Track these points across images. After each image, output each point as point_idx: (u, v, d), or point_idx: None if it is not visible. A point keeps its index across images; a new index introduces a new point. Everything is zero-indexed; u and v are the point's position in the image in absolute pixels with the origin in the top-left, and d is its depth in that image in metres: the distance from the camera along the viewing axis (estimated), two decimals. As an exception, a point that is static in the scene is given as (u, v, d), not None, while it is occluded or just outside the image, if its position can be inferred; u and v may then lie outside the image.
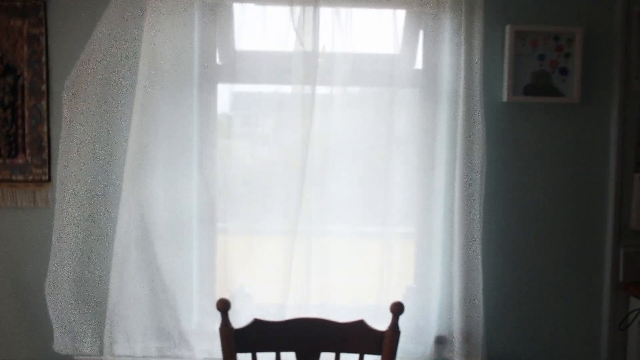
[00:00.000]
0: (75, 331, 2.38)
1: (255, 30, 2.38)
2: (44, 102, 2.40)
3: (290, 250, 2.36)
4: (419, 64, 2.44)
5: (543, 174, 2.49)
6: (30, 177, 2.43)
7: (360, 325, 2.13)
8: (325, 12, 2.35)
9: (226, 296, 2.14)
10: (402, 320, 2.12)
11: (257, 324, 2.12)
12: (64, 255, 2.35)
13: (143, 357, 2.40)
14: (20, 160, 2.43)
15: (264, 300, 2.42)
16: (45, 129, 2.41)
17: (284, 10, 2.34)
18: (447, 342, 2.42)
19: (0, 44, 2.40)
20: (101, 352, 2.39)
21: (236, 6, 2.39)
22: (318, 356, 2.14)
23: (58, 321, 2.36)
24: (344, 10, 2.35)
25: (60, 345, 2.37)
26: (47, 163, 2.41)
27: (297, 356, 2.14)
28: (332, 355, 2.14)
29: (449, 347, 2.42)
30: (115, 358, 2.40)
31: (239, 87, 2.49)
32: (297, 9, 2.32)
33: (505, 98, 2.44)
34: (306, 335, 2.13)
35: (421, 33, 2.43)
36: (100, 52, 2.32)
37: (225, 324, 2.08)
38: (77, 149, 2.33)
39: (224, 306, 2.08)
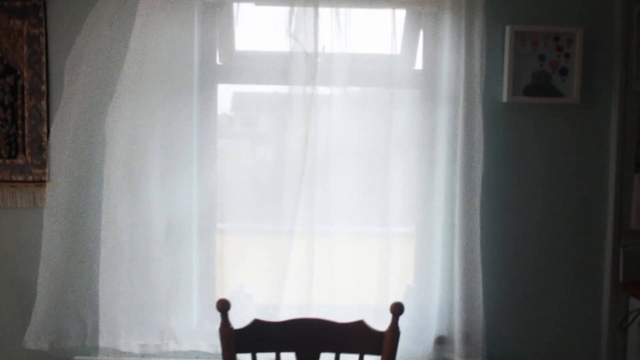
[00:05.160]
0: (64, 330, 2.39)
1: (256, 30, 2.39)
2: (43, 103, 2.40)
3: (290, 251, 2.36)
4: (419, 64, 2.45)
5: (543, 174, 2.49)
6: (30, 178, 2.43)
7: (360, 325, 2.13)
8: (324, 12, 2.34)
9: (226, 296, 2.14)
10: (402, 320, 2.12)
11: (257, 325, 2.12)
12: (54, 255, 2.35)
13: (142, 356, 2.40)
14: (20, 160, 2.43)
15: (264, 300, 2.42)
16: (45, 129, 2.40)
17: (284, 10, 2.34)
18: (447, 342, 2.42)
19: (0, 44, 2.40)
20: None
21: (236, 6, 2.39)
22: (318, 356, 2.14)
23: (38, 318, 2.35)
24: (343, 11, 2.35)
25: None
26: (47, 163, 2.41)
27: (297, 356, 2.14)
28: (332, 355, 2.14)
29: (449, 347, 2.42)
30: (114, 358, 2.41)
31: (239, 88, 2.49)
32: (296, 10, 2.32)
33: (505, 98, 2.44)
34: (306, 335, 2.13)
35: (421, 33, 2.43)
36: (98, 52, 2.31)
37: (225, 324, 2.08)
38: (73, 148, 2.33)
39: (223, 306, 2.08)
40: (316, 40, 2.32)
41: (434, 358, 2.43)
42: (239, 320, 2.13)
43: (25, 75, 2.40)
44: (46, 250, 2.33)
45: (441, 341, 2.43)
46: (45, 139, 2.41)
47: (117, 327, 2.36)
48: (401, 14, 2.40)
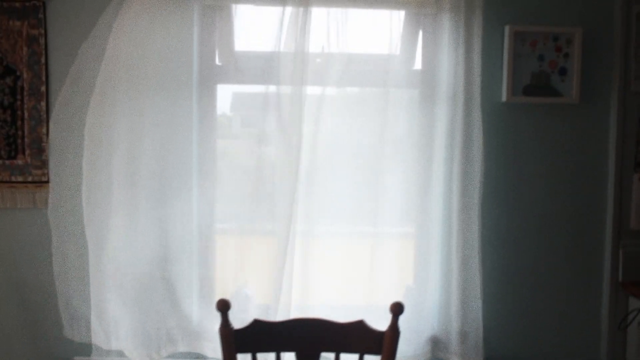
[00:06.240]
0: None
1: (255, 31, 2.39)
2: (43, 103, 2.40)
3: (288, 251, 2.35)
4: (418, 64, 2.45)
5: (542, 174, 2.50)
6: (30, 179, 2.43)
7: (360, 325, 2.13)
8: (325, 12, 2.35)
9: (226, 296, 2.14)
10: (401, 321, 2.12)
11: (257, 325, 2.12)
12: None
13: (142, 357, 2.40)
14: (19, 161, 2.43)
15: (263, 300, 2.41)
16: (44, 130, 2.40)
17: (284, 11, 2.33)
18: (444, 342, 2.42)
19: (-1, 44, 2.40)
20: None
21: (235, 7, 2.39)
22: (318, 356, 2.14)
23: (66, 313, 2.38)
24: (343, 11, 2.35)
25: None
26: (47, 164, 2.41)
27: (297, 357, 2.14)
28: (332, 355, 2.14)
29: (447, 348, 2.42)
30: (114, 358, 2.40)
31: (239, 88, 2.49)
32: (296, 10, 2.31)
33: (504, 98, 2.44)
34: (306, 335, 2.13)
35: (420, 33, 2.43)
36: (100, 52, 2.31)
37: (225, 325, 2.08)
38: (74, 150, 2.34)
39: (223, 307, 2.08)
40: (306, 40, 2.30)
41: (431, 358, 2.43)
42: (239, 320, 2.13)
43: (25, 76, 2.40)
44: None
45: (439, 341, 2.43)
46: (45, 140, 2.41)
47: (117, 328, 2.36)
48: (400, 14, 2.39)
